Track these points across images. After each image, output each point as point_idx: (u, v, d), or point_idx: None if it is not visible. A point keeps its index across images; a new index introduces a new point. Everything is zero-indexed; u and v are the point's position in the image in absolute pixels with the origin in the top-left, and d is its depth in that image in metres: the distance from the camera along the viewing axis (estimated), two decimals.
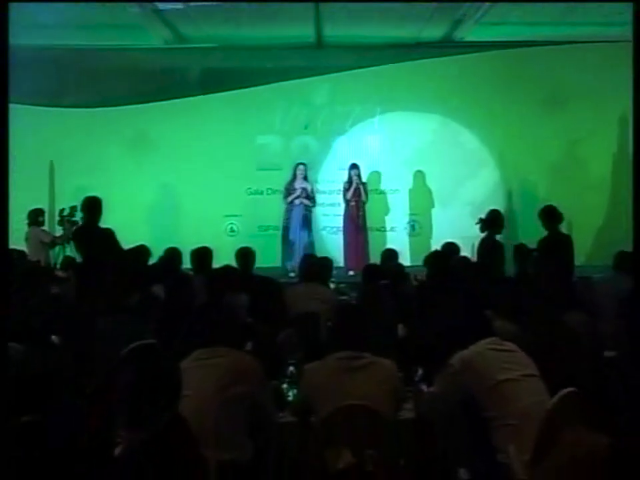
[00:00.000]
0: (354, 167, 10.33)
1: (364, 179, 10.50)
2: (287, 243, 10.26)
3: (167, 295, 5.34)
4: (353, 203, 10.31)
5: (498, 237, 7.87)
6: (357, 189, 10.26)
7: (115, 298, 4.75)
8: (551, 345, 3.97)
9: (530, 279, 5.90)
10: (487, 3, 9.10)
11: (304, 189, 10.25)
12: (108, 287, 4.94)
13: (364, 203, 10.37)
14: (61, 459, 2.50)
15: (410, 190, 11.08)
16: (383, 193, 11.03)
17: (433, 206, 11.02)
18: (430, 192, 11.02)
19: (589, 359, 3.80)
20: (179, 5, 9.13)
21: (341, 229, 10.58)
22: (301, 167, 10.33)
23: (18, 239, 8.44)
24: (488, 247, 7.56)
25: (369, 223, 10.56)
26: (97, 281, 5.42)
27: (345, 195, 10.35)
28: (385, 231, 11.01)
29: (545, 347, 3.92)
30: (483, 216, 8.00)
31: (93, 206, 6.98)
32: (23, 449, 2.51)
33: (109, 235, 6.81)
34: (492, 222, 7.68)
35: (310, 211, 10.37)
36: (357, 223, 10.34)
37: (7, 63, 3.27)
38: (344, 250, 10.37)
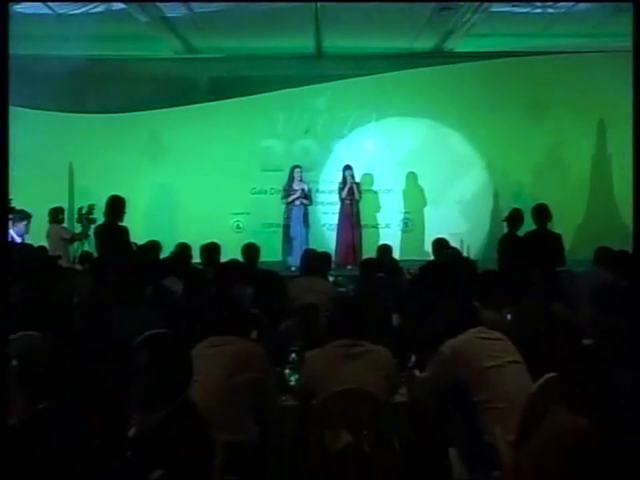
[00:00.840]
0: (347, 167, 10.38)
1: (361, 180, 10.52)
2: (287, 239, 10.27)
3: (185, 288, 5.34)
4: (347, 201, 10.34)
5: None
6: (350, 188, 10.29)
7: (129, 290, 4.73)
8: (538, 333, 3.97)
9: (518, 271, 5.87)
10: (475, 16, 9.07)
11: (302, 190, 10.26)
12: (122, 280, 4.91)
13: (357, 201, 10.39)
14: (61, 459, 2.43)
15: (403, 190, 11.10)
16: (377, 192, 11.05)
17: (424, 204, 11.03)
18: (422, 191, 11.03)
19: (571, 348, 3.80)
20: (182, 9, 9.05)
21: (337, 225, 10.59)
22: (297, 169, 10.34)
23: (38, 235, 8.48)
24: (507, 242, 7.57)
25: (364, 221, 10.58)
26: (112, 274, 5.39)
27: (340, 194, 10.39)
28: (379, 227, 11.02)
29: (532, 336, 3.92)
30: (507, 213, 8.02)
31: (116, 204, 6.85)
32: (23, 449, 2.43)
33: (125, 231, 6.80)
34: (511, 219, 7.69)
35: (307, 210, 10.39)
36: (351, 220, 10.36)
37: (7, 64, 3.14)
38: (336, 245, 10.37)
